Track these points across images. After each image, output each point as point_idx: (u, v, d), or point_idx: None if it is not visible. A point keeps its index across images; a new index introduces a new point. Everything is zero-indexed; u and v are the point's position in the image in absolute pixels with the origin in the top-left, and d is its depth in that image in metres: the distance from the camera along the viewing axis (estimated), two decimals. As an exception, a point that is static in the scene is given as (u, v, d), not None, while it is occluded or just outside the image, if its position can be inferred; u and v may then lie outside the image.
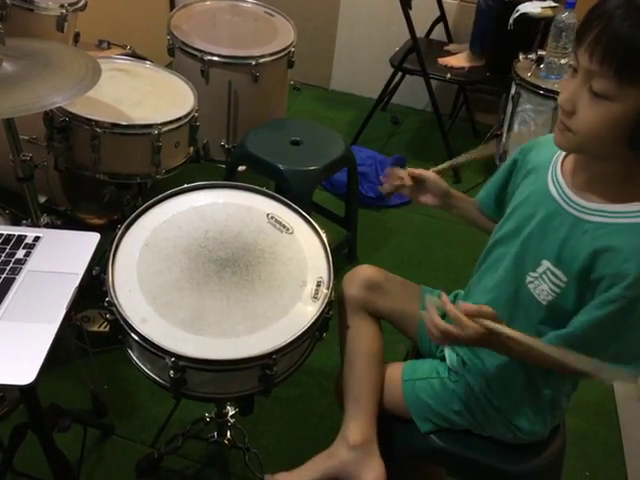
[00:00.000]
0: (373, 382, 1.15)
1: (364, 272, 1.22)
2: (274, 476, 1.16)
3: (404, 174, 1.16)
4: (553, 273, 0.91)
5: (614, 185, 0.86)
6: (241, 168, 2.02)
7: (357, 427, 1.12)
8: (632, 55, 0.74)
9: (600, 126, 0.79)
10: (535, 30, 2.43)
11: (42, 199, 1.73)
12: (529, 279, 0.95)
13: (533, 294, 0.95)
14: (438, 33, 2.89)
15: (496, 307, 1.00)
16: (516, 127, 2.22)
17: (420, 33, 2.66)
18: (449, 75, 2.58)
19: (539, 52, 2.21)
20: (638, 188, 0.85)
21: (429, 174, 1.15)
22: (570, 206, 0.90)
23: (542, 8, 2.30)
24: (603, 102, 0.78)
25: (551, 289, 0.92)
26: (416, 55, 2.51)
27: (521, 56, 2.25)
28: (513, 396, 1.04)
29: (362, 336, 1.18)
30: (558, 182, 0.93)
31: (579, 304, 0.90)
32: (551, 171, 0.95)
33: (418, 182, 1.16)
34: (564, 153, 0.95)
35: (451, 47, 2.78)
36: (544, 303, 0.94)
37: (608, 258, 0.84)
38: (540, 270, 0.93)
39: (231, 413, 1.44)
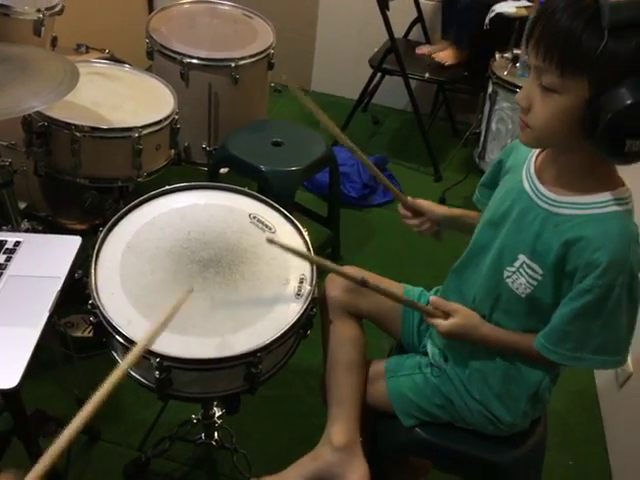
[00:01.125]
0: (355, 384, 1.16)
1: None
2: None
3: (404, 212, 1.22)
4: (529, 267, 0.94)
5: (580, 177, 0.88)
6: (223, 170, 2.03)
7: (340, 429, 1.13)
8: (570, 47, 0.76)
9: (552, 120, 0.82)
10: (510, 30, 2.47)
11: (22, 205, 1.72)
12: (507, 274, 0.98)
13: (512, 288, 0.97)
14: (416, 34, 2.92)
15: (481, 301, 1.04)
16: (494, 125, 2.26)
17: (398, 34, 2.69)
18: (427, 75, 2.61)
19: (515, 51, 2.25)
20: (602, 179, 0.88)
21: (421, 202, 1.19)
22: (542, 200, 0.92)
23: (517, 8, 2.34)
24: (552, 96, 0.81)
25: (528, 282, 0.95)
26: (395, 56, 2.54)
27: (497, 55, 2.29)
28: (493, 388, 1.06)
29: (344, 339, 1.19)
30: (531, 178, 0.95)
31: (557, 296, 0.93)
32: (525, 168, 0.97)
33: (419, 214, 1.21)
34: (537, 150, 0.98)
35: (425, 50, 2.79)
36: (523, 296, 0.96)
37: (579, 249, 0.87)
38: (517, 264, 0.96)
39: (218, 414, 1.44)
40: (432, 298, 1.04)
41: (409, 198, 1.21)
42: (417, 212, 1.21)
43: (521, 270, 0.95)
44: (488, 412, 1.06)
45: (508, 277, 0.98)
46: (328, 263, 1.02)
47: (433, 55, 2.67)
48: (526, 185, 0.95)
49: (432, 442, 1.11)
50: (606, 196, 0.86)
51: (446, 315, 1.02)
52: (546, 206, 0.91)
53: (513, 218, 0.97)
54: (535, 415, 1.11)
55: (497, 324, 1.03)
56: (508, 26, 2.44)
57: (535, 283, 0.94)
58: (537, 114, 0.83)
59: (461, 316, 1.01)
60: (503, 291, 0.99)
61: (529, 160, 0.98)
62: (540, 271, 0.93)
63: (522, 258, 0.95)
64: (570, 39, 0.76)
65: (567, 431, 1.72)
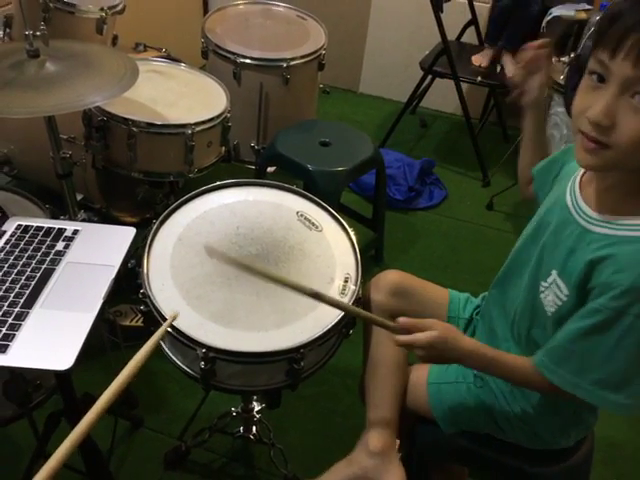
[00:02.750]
0: (395, 389, 1.15)
1: (390, 277, 1.21)
2: None
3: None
4: (557, 284, 0.89)
5: (625, 197, 0.83)
6: (270, 169, 2.06)
7: (377, 433, 1.12)
8: None
9: None
10: (568, 33, 2.40)
11: (79, 197, 1.79)
12: (541, 288, 0.93)
13: (543, 303, 0.93)
14: (469, 36, 2.88)
15: (520, 316, 1.00)
16: (548, 130, 2.20)
17: (451, 36, 2.65)
18: (479, 78, 2.57)
19: (572, 55, 2.19)
20: None
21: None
22: (579, 216, 0.87)
23: (576, 11, 2.27)
24: None
25: (554, 301, 0.90)
26: (447, 58, 2.51)
27: (554, 59, 2.23)
28: (535, 406, 1.02)
29: (386, 344, 1.17)
30: (574, 191, 0.91)
31: None
32: (571, 180, 0.93)
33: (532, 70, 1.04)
34: None
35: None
36: (549, 314, 0.92)
37: (602, 267, 0.81)
38: (550, 280, 0.91)
39: (257, 408, 1.46)
40: (401, 319, 0.91)
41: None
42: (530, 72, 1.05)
43: (552, 286, 0.90)
44: (529, 429, 1.03)
45: (542, 292, 0.93)
46: (365, 313, 0.95)
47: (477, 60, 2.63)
48: (568, 198, 0.91)
49: (473, 450, 1.09)
50: None
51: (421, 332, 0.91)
52: (582, 222, 0.86)
53: (551, 231, 0.92)
54: (579, 436, 1.07)
55: (535, 342, 0.98)
56: (566, 29, 2.38)
57: (560, 303, 0.88)
58: (626, 132, 0.74)
59: (438, 327, 0.90)
60: (539, 306, 0.95)
61: (577, 173, 0.93)
62: (565, 291, 0.87)
63: (554, 274, 0.90)
64: None
65: (612, 448, 1.65)
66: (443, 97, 3.05)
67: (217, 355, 0.96)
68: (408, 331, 0.90)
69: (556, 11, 2.29)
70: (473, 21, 2.82)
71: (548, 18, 2.29)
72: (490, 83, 2.61)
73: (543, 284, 0.93)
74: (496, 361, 0.92)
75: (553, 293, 0.90)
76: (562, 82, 2.11)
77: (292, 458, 1.48)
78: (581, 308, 0.85)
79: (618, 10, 0.74)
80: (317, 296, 0.88)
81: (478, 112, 3.00)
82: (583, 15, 2.26)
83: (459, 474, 1.37)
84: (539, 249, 0.95)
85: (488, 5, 2.84)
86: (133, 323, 1.73)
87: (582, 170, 0.92)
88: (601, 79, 0.76)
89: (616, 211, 0.83)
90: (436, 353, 0.91)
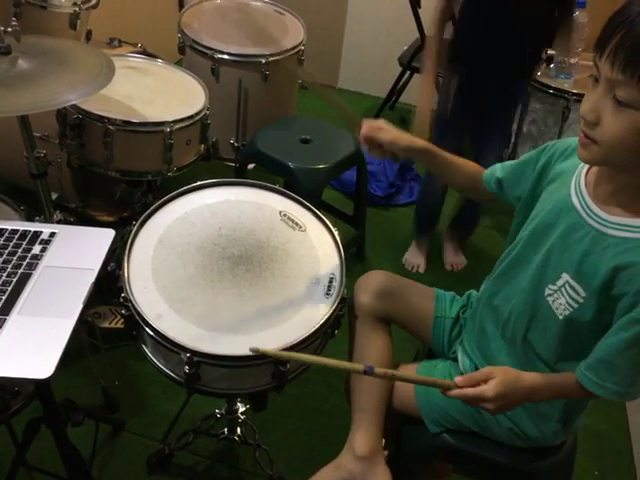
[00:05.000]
0: (381, 392, 1.14)
1: (376, 279, 1.20)
2: None
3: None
4: (572, 287, 0.90)
5: (637, 198, 0.84)
6: (249, 166, 2.03)
7: (363, 437, 1.12)
8: None
9: (626, 135, 0.76)
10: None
11: (53, 196, 1.74)
12: (548, 292, 0.94)
13: (552, 307, 0.93)
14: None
15: (517, 317, 1.00)
16: (525, 127, 2.22)
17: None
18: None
19: (549, 52, 2.20)
20: None
21: (381, 137, 1.09)
22: (592, 219, 0.87)
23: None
24: (627, 111, 0.75)
25: (568, 303, 0.90)
26: (425, 54, 2.50)
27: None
28: (524, 405, 1.01)
29: (372, 347, 1.17)
30: (581, 193, 0.90)
31: (596, 320, 0.89)
32: (574, 181, 0.92)
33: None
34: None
35: None
36: (561, 317, 0.92)
37: (629, 275, 0.82)
38: (559, 283, 0.91)
39: (241, 410, 1.45)
40: (458, 379, 0.91)
41: (366, 125, 1.10)
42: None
43: (563, 290, 0.91)
44: (517, 428, 1.04)
45: (549, 295, 0.93)
46: (328, 360, 0.91)
47: None
48: (575, 200, 0.90)
49: (458, 448, 1.09)
50: None
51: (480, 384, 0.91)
52: (596, 225, 0.86)
53: (558, 234, 0.92)
54: (566, 436, 1.08)
55: (530, 344, 0.99)
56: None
57: (576, 305, 0.89)
58: (608, 129, 0.77)
59: (497, 373, 0.90)
60: (542, 309, 0.95)
61: (579, 173, 0.92)
62: (583, 293, 0.88)
63: (565, 277, 0.90)
64: None
65: (594, 441, 1.68)
66: (422, 93, 3.05)
67: (202, 359, 0.95)
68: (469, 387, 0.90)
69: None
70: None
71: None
72: (468, 79, 2.61)
73: (551, 287, 0.93)
74: (564, 385, 0.93)
75: (567, 296, 0.90)
76: (539, 79, 2.13)
77: (277, 458, 1.47)
78: (597, 309, 0.87)
79: (615, 13, 0.76)
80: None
81: (456, 107, 3.01)
82: (559, 11, 2.27)
83: (442, 470, 1.38)
84: (544, 252, 0.94)
85: None
86: (112, 325, 1.69)
87: (584, 170, 0.92)
88: (596, 80, 0.79)
89: (631, 212, 0.84)
90: (506, 401, 0.90)
